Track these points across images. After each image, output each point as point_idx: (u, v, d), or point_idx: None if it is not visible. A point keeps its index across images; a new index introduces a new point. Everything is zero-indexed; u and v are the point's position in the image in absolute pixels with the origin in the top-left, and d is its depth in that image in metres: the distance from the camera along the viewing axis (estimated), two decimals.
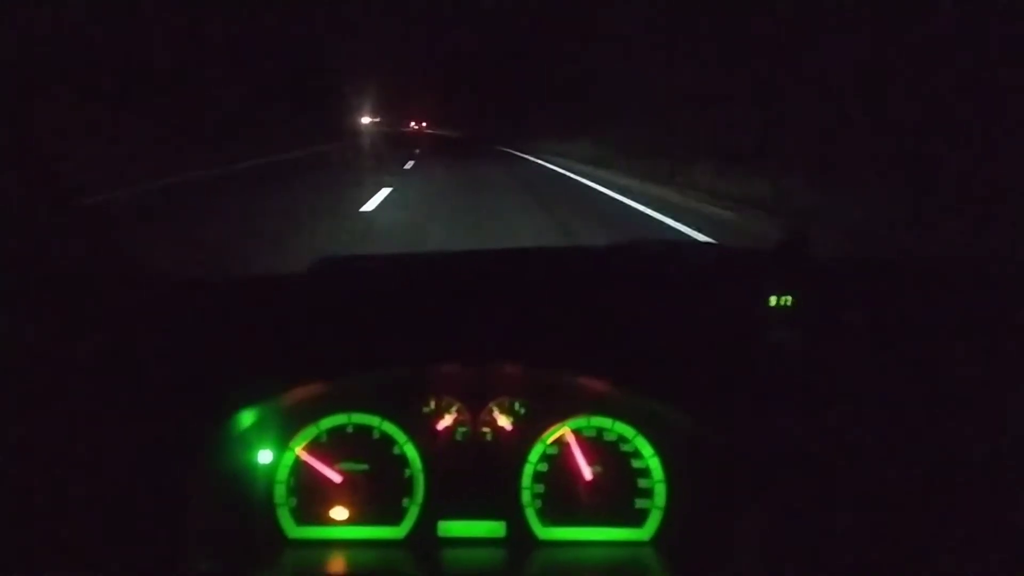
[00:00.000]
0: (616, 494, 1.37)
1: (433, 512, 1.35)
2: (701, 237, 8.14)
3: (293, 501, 1.33)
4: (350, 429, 1.36)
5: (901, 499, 1.14)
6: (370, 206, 9.88)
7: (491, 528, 1.35)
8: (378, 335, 1.26)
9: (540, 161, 22.74)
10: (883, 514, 1.13)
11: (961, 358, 1.25)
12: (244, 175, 15.34)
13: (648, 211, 10.46)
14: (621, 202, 11.80)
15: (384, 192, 11.33)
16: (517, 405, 1.40)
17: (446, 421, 1.38)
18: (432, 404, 1.39)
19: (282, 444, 1.33)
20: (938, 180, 8.11)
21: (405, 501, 1.35)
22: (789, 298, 1.31)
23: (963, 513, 1.14)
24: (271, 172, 16.03)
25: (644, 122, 19.29)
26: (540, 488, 1.37)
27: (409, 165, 19.22)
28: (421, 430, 1.37)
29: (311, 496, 1.33)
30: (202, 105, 20.24)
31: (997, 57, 8.63)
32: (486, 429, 1.39)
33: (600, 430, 1.39)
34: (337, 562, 1.27)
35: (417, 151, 26.12)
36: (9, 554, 1.04)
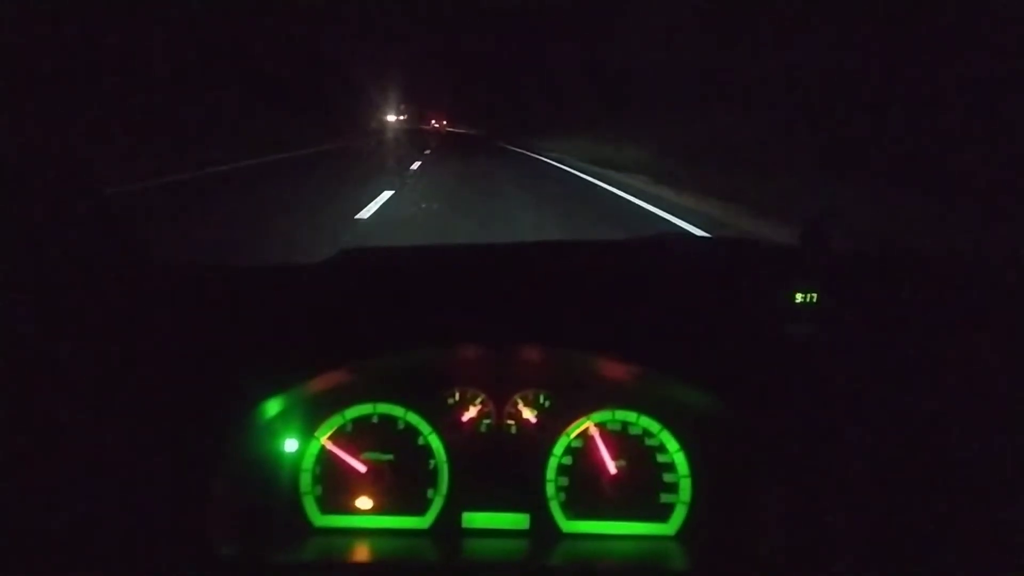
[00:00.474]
0: (641, 488, 1.36)
1: (457, 503, 1.35)
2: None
3: (319, 490, 1.34)
4: (375, 419, 1.37)
5: (926, 494, 1.13)
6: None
7: (515, 520, 1.35)
8: (399, 319, 1.27)
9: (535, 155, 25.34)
10: (906, 508, 1.12)
11: (985, 354, 1.24)
12: (303, 159, 19.55)
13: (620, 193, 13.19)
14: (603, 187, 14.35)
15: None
16: (542, 398, 1.40)
17: (471, 413, 1.38)
18: (457, 395, 1.39)
19: (308, 433, 1.34)
20: (956, 180, 8.04)
21: (430, 492, 1.36)
22: (815, 295, 1.31)
23: (981, 508, 1.13)
24: (324, 156, 21.57)
25: (647, 123, 19.48)
26: (564, 481, 1.37)
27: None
28: (446, 421, 1.38)
29: (336, 485, 1.34)
30: (255, 104, 23.15)
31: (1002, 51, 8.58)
32: (510, 421, 1.40)
33: (625, 424, 1.39)
34: (362, 550, 1.28)
35: (427, 152, 26.93)
36: (38, 540, 1.06)
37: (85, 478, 1.09)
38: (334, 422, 1.35)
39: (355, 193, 10.90)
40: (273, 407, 1.26)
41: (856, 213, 7.89)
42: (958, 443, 1.17)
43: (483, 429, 1.39)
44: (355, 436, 1.36)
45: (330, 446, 1.34)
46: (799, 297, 1.32)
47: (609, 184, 14.93)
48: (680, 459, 1.37)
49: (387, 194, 10.99)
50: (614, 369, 1.33)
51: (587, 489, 1.37)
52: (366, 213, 9.14)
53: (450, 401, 1.39)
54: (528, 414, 1.39)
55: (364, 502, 1.34)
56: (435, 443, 1.37)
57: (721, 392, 1.24)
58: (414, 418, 1.37)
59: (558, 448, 1.38)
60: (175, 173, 12.37)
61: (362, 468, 1.34)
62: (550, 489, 1.37)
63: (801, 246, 1.40)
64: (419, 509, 1.35)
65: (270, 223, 8.33)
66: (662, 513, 1.37)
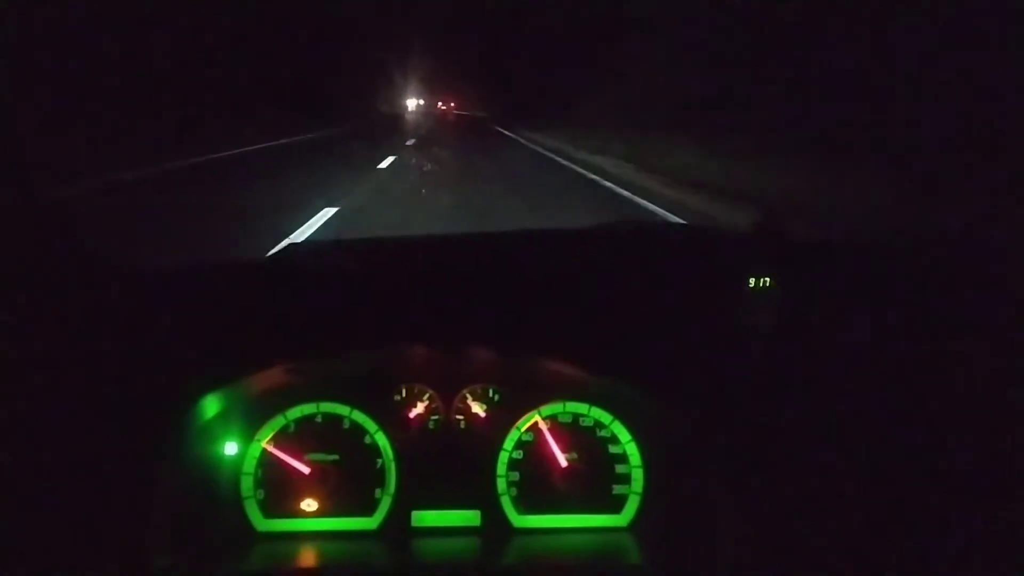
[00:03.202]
0: (593, 480, 1.34)
1: (406, 502, 1.32)
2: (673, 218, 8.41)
3: (261, 493, 1.30)
4: (319, 419, 1.33)
5: (881, 484, 1.11)
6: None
7: (466, 517, 1.33)
8: (344, 317, 1.23)
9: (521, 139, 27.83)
10: (863, 498, 1.11)
11: (946, 341, 1.20)
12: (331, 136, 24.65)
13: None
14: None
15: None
16: (491, 392, 1.37)
17: (418, 409, 1.35)
18: (403, 392, 1.36)
19: (248, 436, 1.30)
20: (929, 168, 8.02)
21: (377, 491, 1.32)
22: (768, 280, 1.27)
23: (939, 495, 1.11)
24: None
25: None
26: (515, 476, 1.35)
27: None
28: (392, 419, 1.34)
29: (280, 488, 1.30)
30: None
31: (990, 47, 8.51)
32: (459, 417, 1.36)
33: (576, 416, 1.36)
34: (308, 555, 1.25)
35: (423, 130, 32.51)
36: None
37: (17, 488, 1.05)
38: (276, 423, 1.31)
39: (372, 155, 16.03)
40: (211, 408, 1.22)
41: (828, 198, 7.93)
42: (915, 430, 1.14)
43: (431, 426, 1.36)
44: (298, 437, 1.32)
45: (272, 449, 1.30)
46: (752, 283, 1.28)
47: (559, 156, 19.48)
48: (632, 450, 1.34)
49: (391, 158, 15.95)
50: (563, 367, 1.30)
51: (539, 483, 1.35)
52: (384, 164, 14.63)
53: (397, 398, 1.35)
54: (477, 409, 1.36)
55: (309, 504, 1.31)
56: (382, 441, 1.34)
57: (671, 396, 1.22)
58: (360, 416, 1.34)
59: (508, 442, 1.35)
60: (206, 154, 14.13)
61: (306, 470, 1.30)
62: (501, 484, 1.34)
63: (756, 233, 1.36)
64: (367, 509, 1.32)
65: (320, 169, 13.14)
66: (615, 505, 1.35)
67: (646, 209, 9.68)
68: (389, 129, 31.10)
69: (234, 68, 24.04)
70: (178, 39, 20.66)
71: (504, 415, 1.36)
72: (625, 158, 16.36)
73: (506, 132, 33.60)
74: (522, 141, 26.60)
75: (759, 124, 13.05)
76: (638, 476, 1.34)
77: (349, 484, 1.32)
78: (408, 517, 1.32)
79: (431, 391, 1.36)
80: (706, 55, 17.23)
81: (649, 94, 20.50)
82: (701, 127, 15.46)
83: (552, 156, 19.71)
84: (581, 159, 17.83)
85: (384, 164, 14.61)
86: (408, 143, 22.92)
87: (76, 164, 10.62)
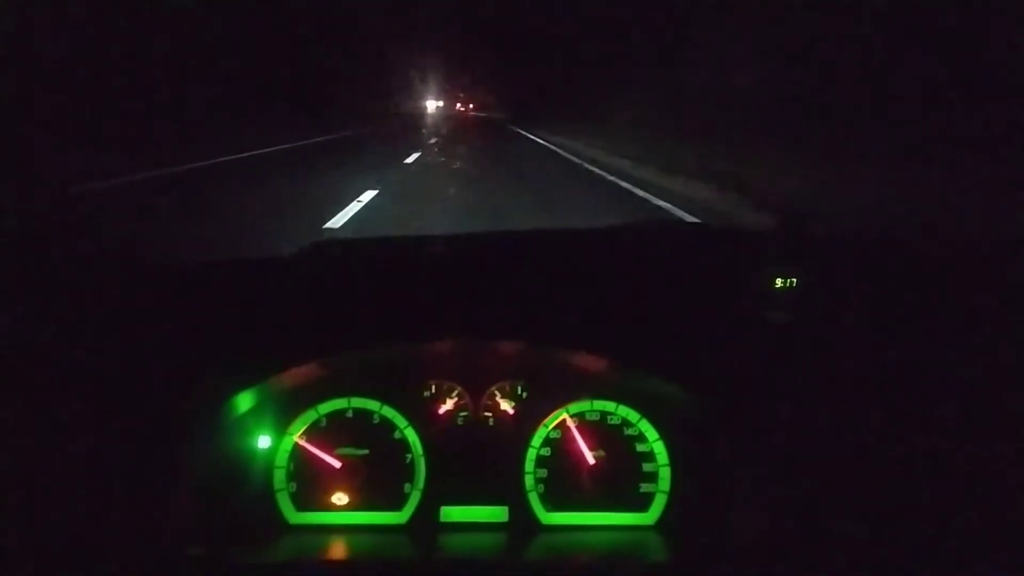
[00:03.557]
0: (620, 478, 1.35)
1: (435, 497, 1.34)
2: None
3: (293, 486, 1.32)
4: (350, 414, 1.35)
5: (903, 487, 1.11)
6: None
7: (493, 513, 1.34)
8: (373, 313, 1.25)
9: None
10: (885, 499, 1.11)
11: (966, 343, 1.20)
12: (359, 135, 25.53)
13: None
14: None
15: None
16: (519, 389, 1.38)
17: (447, 405, 1.37)
18: (433, 388, 1.37)
19: (280, 429, 1.32)
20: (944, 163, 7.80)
21: (406, 486, 1.34)
22: (794, 280, 1.28)
23: (961, 502, 1.11)
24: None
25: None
26: (543, 473, 1.36)
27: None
28: (422, 414, 1.36)
29: (311, 481, 1.32)
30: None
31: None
32: (487, 413, 1.38)
33: (604, 414, 1.37)
34: (338, 547, 1.26)
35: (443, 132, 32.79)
36: (7, 541, 1.05)
37: (48, 478, 1.07)
38: (308, 417, 1.33)
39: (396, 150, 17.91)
40: (244, 403, 1.24)
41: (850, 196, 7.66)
42: (941, 430, 1.14)
43: (460, 422, 1.37)
44: (329, 431, 1.34)
45: (304, 443, 1.33)
46: (779, 282, 1.29)
47: (569, 153, 20.16)
48: (659, 448, 1.35)
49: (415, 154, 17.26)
50: (591, 361, 1.31)
51: (566, 480, 1.35)
52: (410, 158, 16.07)
53: (426, 394, 1.37)
54: (506, 405, 1.37)
55: (340, 498, 1.33)
56: (411, 437, 1.35)
57: (698, 388, 1.23)
58: (390, 412, 1.36)
59: (536, 439, 1.36)
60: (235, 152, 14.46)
61: (337, 464, 1.32)
62: (529, 481, 1.35)
63: (779, 231, 1.37)
64: (396, 504, 1.34)
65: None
66: (642, 503, 1.35)
67: None
68: (409, 130, 31.71)
69: (258, 75, 24.69)
70: (211, 48, 21.21)
71: (532, 412, 1.37)
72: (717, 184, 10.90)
73: (535, 138, 31.04)
74: (560, 151, 22.45)
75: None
76: (665, 475, 1.34)
77: (378, 479, 1.33)
78: (436, 512, 1.33)
79: (460, 387, 1.37)
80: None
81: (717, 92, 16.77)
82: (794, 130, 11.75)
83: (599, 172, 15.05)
84: (655, 184, 12.44)
85: (410, 160, 15.90)
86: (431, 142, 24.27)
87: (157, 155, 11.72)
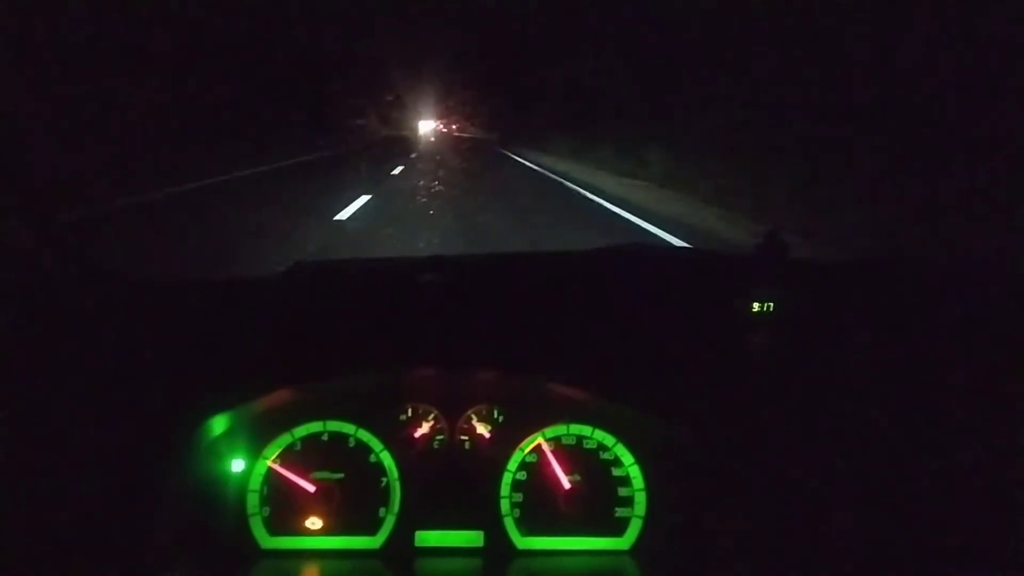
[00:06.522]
0: (596, 503, 1.34)
1: (410, 522, 1.33)
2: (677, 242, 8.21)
3: (266, 511, 1.31)
4: (325, 437, 1.34)
5: (885, 508, 1.11)
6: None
7: (469, 538, 1.33)
8: (352, 339, 1.25)
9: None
10: (865, 524, 1.11)
11: (948, 361, 1.21)
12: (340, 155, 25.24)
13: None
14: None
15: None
16: (496, 413, 1.38)
17: (423, 429, 1.36)
18: (409, 412, 1.37)
19: (254, 453, 1.31)
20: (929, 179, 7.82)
21: (381, 511, 1.33)
22: (771, 304, 1.28)
23: (948, 524, 1.11)
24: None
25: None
26: (519, 497, 1.35)
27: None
28: (398, 438, 1.35)
29: (285, 505, 1.31)
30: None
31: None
32: (464, 437, 1.37)
33: (580, 437, 1.37)
34: (311, 572, 1.25)
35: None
36: None
37: (21, 505, 1.05)
38: (282, 441, 1.32)
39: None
40: (219, 426, 1.23)
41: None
42: (920, 455, 1.14)
43: (436, 445, 1.36)
44: (304, 455, 1.33)
45: (278, 467, 1.31)
46: (755, 307, 1.30)
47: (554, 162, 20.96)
48: (635, 472, 1.35)
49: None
50: (568, 390, 1.31)
51: (542, 504, 1.35)
52: (397, 170, 17.68)
53: (402, 418, 1.36)
54: (482, 429, 1.37)
55: (314, 522, 1.31)
56: (387, 460, 1.34)
57: (675, 418, 1.23)
58: (365, 435, 1.35)
59: (512, 463, 1.36)
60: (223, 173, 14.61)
61: (311, 488, 1.31)
62: (504, 505, 1.34)
63: (758, 255, 1.38)
64: (371, 528, 1.32)
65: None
66: (617, 528, 1.35)
67: None
68: (392, 148, 32.12)
69: (249, 97, 24.79)
70: (204, 71, 21.24)
71: (508, 436, 1.36)
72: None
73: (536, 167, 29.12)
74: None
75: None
76: (641, 500, 1.34)
77: (353, 503, 1.32)
78: (411, 537, 1.32)
79: (436, 411, 1.37)
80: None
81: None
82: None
83: None
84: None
85: (395, 171, 17.62)
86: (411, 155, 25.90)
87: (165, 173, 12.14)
